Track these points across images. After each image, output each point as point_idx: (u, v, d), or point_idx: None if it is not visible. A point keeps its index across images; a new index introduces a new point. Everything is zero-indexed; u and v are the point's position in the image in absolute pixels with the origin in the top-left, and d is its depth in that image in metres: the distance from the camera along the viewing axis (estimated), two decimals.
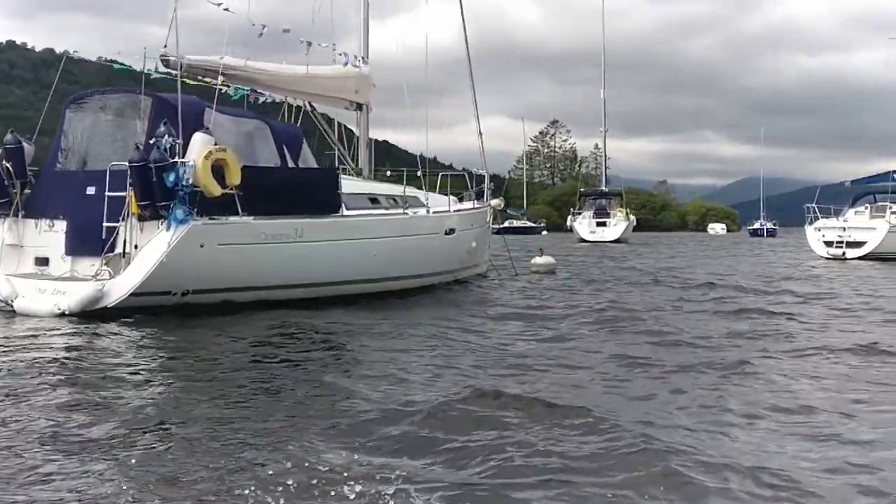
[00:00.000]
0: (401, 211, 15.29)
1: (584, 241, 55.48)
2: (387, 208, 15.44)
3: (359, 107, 17.45)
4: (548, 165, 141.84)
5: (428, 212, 15.99)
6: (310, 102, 16.57)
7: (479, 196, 20.26)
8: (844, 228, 33.36)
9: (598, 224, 56.01)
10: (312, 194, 13.53)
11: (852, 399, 6.65)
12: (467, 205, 18.69)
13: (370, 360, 8.40)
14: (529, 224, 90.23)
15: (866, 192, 35.61)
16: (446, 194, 19.37)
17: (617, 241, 55.05)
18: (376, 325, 10.98)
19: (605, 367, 7.92)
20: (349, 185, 15.43)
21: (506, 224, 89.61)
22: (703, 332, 10.51)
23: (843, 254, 32.72)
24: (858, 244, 32.85)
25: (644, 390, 6.91)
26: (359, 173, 17.28)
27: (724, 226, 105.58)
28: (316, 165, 14.92)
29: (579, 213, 58.96)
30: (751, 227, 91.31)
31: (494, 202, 20.52)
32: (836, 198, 37.51)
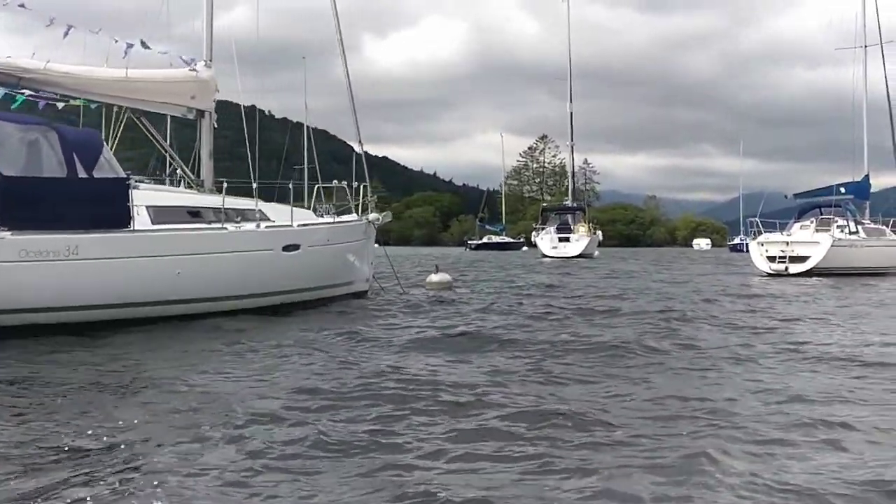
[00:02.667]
0: (219, 225, 14.02)
1: (546, 256, 54.20)
2: (209, 222, 14.19)
3: (200, 114, 16.20)
4: (537, 180, 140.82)
5: (258, 226, 14.70)
6: (136, 109, 15.31)
7: (365, 209, 19.10)
8: (787, 243, 31.97)
9: (561, 240, 54.68)
10: (95, 207, 12.29)
11: None
12: (327, 219, 17.44)
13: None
14: (508, 240, 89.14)
15: (811, 205, 34.26)
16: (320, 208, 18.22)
17: (580, 256, 53.75)
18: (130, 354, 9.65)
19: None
20: (162, 197, 14.22)
21: (484, 240, 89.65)
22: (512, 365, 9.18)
23: (786, 269, 31.33)
24: (802, 259, 31.45)
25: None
26: (199, 185, 16.05)
27: (708, 241, 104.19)
28: (122, 174, 13.65)
29: (542, 229, 57.71)
30: (731, 243, 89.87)
31: (372, 216, 19.19)
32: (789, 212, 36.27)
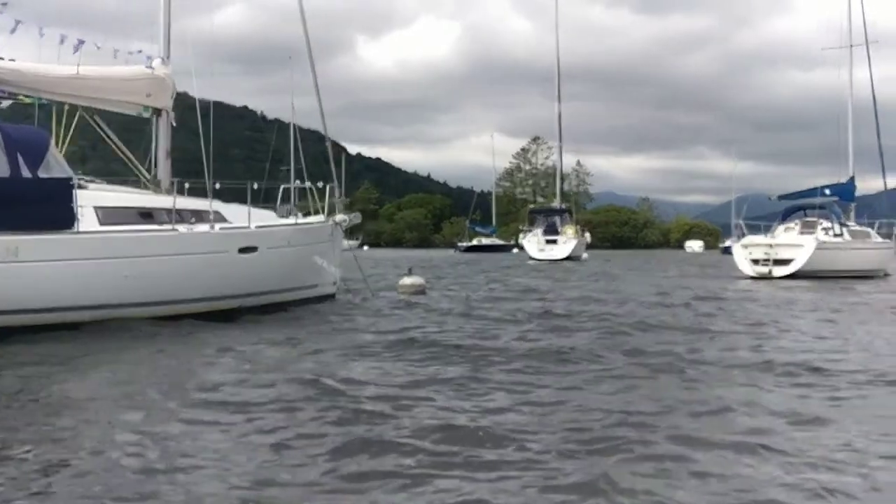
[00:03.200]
0: (169, 227, 13.64)
1: (533, 259, 53.80)
2: (161, 223, 13.82)
3: (157, 112, 15.83)
4: (530, 182, 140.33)
5: (212, 227, 14.32)
6: (88, 107, 14.92)
7: (331, 211, 18.73)
8: (771, 245, 31.60)
9: (548, 242, 54.24)
10: (38, 208, 11.96)
11: None
12: (289, 220, 17.04)
13: None
14: (498, 242, 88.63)
15: (796, 207, 33.94)
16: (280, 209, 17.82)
17: (568, 258, 53.36)
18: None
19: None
20: (111, 197, 13.85)
21: (474, 242, 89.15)
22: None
23: (770, 272, 30.96)
24: (786, 262, 31.09)
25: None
26: (156, 185, 15.68)
27: (701, 243, 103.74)
28: (70, 174, 13.28)
29: (529, 231, 57.31)
30: (723, 245, 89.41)
31: (339, 218, 18.80)
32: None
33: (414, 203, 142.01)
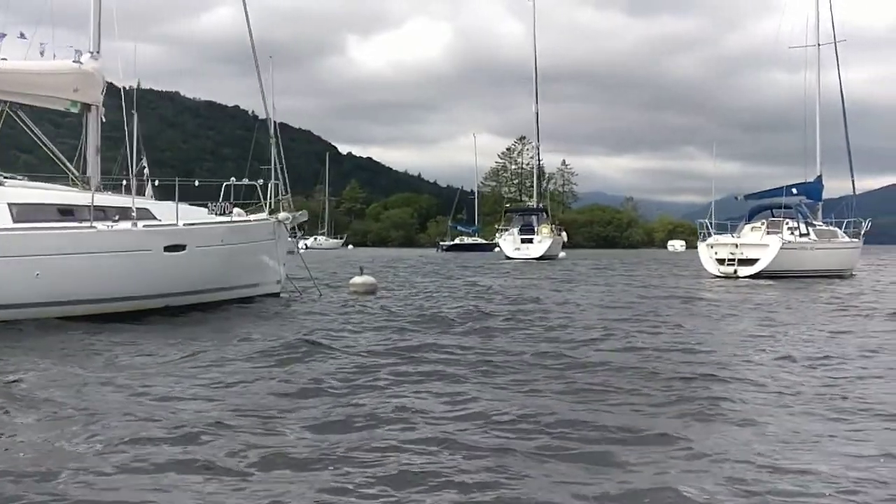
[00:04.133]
0: (87, 224, 13.33)
1: (510, 258, 53.57)
2: (82, 221, 13.50)
3: (86, 107, 15.50)
4: (515, 181, 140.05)
5: (135, 224, 14.01)
6: (14, 102, 14.59)
7: (276, 209, 18.42)
8: (737, 245, 31.42)
9: (524, 241, 54.04)
10: None
11: None
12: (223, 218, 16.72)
13: None
14: (481, 241, 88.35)
15: (762, 206, 33.75)
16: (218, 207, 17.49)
17: (543, 258, 53.15)
18: None
19: None
20: (28, 194, 13.54)
21: (456, 241, 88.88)
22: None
23: (735, 272, 30.79)
24: (751, 261, 30.92)
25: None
26: (85, 182, 15.34)
27: (683, 243, 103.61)
28: None
29: (506, 230, 57.08)
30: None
31: (282, 215, 18.48)
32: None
33: (400, 202, 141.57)
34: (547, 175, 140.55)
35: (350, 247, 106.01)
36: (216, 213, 16.61)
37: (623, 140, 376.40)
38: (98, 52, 15.67)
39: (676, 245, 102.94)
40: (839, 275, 32.88)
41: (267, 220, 17.82)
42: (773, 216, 33.09)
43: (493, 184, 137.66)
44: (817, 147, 36.19)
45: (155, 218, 14.76)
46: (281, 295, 18.81)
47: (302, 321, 13.85)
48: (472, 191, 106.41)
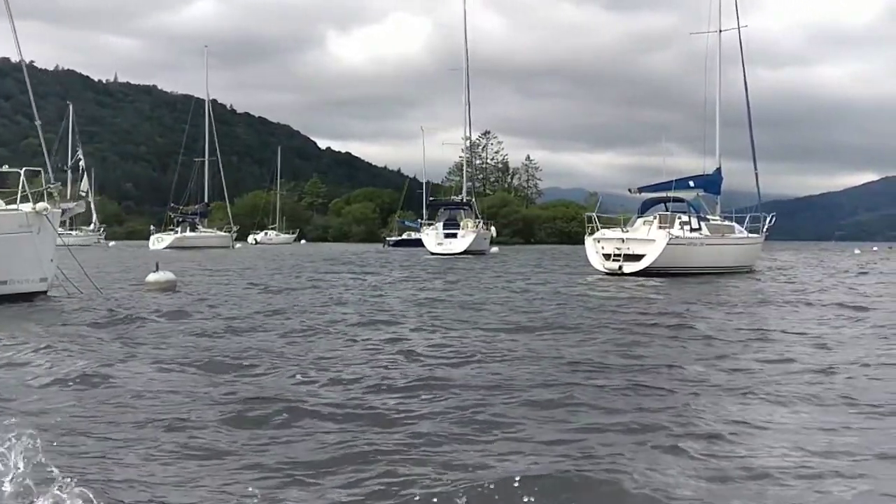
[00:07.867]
0: None
1: (433, 254, 51.76)
2: None
3: None
4: (480, 176, 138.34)
5: None
6: None
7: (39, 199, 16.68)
8: (623, 240, 29.71)
9: (447, 236, 52.18)
10: None
11: None
12: None
13: None
14: None
15: (656, 200, 32.05)
16: None
17: (467, 252, 51.38)
18: None
19: None
20: None
21: (403, 236, 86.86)
22: None
23: (620, 268, 29.12)
24: (637, 257, 29.24)
25: None
26: None
27: None
28: None
29: (429, 225, 55.20)
30: None
31: (40, 206, 16.64)
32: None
33: (363, 197, 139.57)
34: (511, 170, 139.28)
35: (303, 242, 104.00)
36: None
37: (603, 136, 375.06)
38: None
39: None
40: (735, 271, 31.25)
41: (16, 210, 16.01)
42: (667, 210, 31.39)
43: (457, 178, 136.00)
44: (716, 138, 34.56)
45: None
46: (49, 293, 17.09)
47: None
48: (408, 182, 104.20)
